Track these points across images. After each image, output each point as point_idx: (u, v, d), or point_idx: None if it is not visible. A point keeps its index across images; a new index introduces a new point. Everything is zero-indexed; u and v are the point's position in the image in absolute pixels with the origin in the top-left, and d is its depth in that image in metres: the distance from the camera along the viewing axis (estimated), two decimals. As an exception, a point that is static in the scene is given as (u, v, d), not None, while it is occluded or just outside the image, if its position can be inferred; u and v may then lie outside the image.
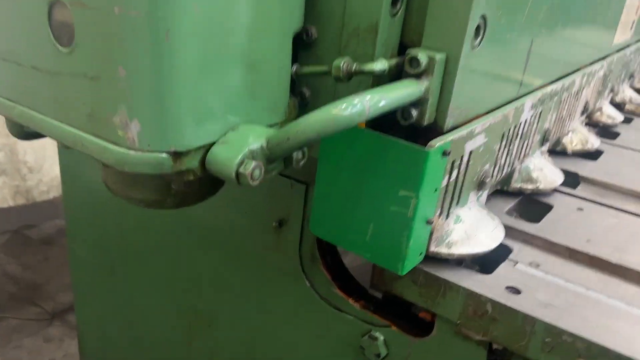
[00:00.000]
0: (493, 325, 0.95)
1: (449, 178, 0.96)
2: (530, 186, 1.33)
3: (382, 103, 0.77)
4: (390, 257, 0.93)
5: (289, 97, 0.91)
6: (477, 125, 0.98)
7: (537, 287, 0.99)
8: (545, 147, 1.48)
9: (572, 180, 1.52)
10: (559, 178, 1.40)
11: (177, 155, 0.74)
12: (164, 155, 0.73)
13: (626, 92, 2.31)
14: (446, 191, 0.97)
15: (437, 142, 0.86)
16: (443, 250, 1.00)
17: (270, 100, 0.86)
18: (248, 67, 0.79)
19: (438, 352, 1.06)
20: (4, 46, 0.84)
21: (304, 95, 0.97)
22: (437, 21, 0.86)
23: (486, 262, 1.07)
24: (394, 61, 0.86)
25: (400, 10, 0.89)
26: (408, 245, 0.91)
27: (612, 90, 2.08)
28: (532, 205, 1.34)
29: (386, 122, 0.90)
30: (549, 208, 1.32)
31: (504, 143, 1.14)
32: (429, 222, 0.93)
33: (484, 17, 0.88)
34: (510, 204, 1.32)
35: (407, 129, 0.90)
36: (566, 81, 1.42)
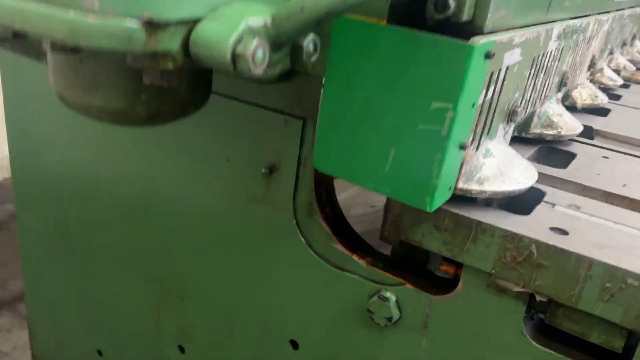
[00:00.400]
0: (538, 272, 0.79)
1: (486, 95, 0.79)
2: (551, 132, 1.18)
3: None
4: (415, 190, 0.76)
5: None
6: (516, 35, 0.81)
7: (585, 229, 0.83)
8: (561, 94, 1.34)
9: (587, 132, 1.38)
10: (579, 125, 1.25)
11: (151, 28, 0.54)
12: (134, 24, 0.53)
13: (620, 60, 2.21)
14: (480, 112, 0.80)
15: (481, 40, 0.69)
16: (474, 187, 0.83)
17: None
18: None
19: (464, 311, 0.89)
20: None
21: None
22: None
23: (519, 204, 0.91)
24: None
25: None
26: (440, 174, 0.73)
27: (610, 52, 1.97)
28: (554, 153, 1.20)
29: (411, 20, 0.72)
30: (572, 156, 1.18)
31: (532, 71, 0.99)
32: (462, 147, 0.76)
33: None
34: (530, 151, 1.17)
35: (437, 27, 0.73)
36: (584, 21, 1.28)
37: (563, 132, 1.19)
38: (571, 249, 0.76)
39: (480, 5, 0.73)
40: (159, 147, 1.20)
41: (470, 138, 0.80)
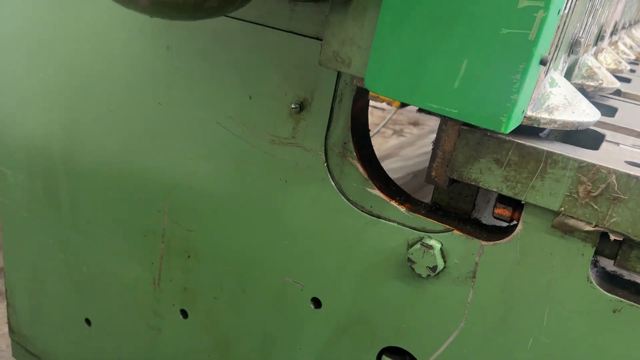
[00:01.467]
0: (615, 207, 0.71)
1: (566, 6, 0.70)
2: (592, 83, 1.11)
3: None
4: (490, 108, 0.67)
5: None
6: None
7: (661, 165, 0.76)
8: (595, 49, 1.28)
9: (616, 92, 1.32)
10: (616, 80, 1.19)
11: None
12: None
13: (626, 40, 2.19)
14: (560, 26, 0.71)
15: None
16: (543, 115, 0.75)
17: None
18: None
19: (521, 258, 0.81)
20: None
21: None
22: None
23: (583, 142, 0.83)
24: None
25: None
26: (521, 88, 0.65)
27: (623, 27, 1.94)
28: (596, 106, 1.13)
29: None
30: (614, 109, 1.11)
31: (589, 4, 0.91)
32: (543, 62, 0.67)
33: None
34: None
35: None
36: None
37: (604, 85, 1.12)
38: (657, 180, 0.68)
39: None
40: (170, 83, 1.08)
41: (550, 55, 0.71)
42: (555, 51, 0.76)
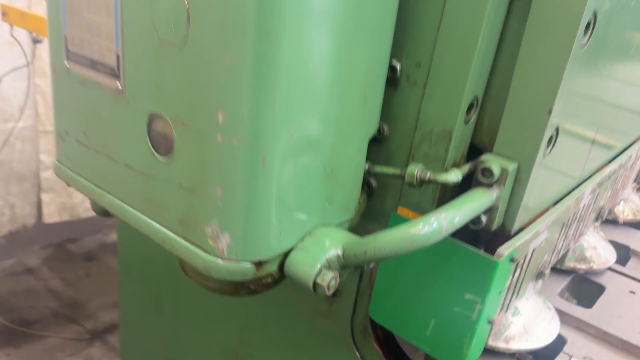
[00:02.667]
0: None
1: (512, 278, 0.97)
2: (583, 266, 1.34)
3: (457, 219, 0.79)
4: (451, 354, 0.96)
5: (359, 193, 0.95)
6: (542, 225, 0.99)
7: (595, 388, 1.00)
8: (599, 222, 1.48)
9: (623, 253, 1.51)
10: (612, 257, 1.40)
11: (260, 264, 0.78)
12: (249, 264, 0.76)
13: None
14: (508, 289, 0.98)
15: (506, 250, 0.88)
16: (501, 344, 1.02)
17: (344, 200, 0.90)
18: (329, 177, 0.83)
19: None
20: (98, 139, 0.90)
21: (371, 186, 1.00)
22: (511, 131, 0.89)
23: (541, 356, 1.08)
24: (466, 168, 0.88)
25: (473, 117, 0.92)
26: (470, 345, 0.93)
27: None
28: (585, 285, 1.35)
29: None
30: (601, 290, 1.32)
31: (563, 231, 1.15)
32: (490, 322, 0.95)
33: (557, 129, 0.90)
34: (563, 282, 1.32)
35: (473, 234, 0.93)
36: (623, 157, 1.42)
37: (595, 267, 1.34)
38: (577, 413, 0.93)
39: (508, 216, 0.92)
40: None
41: (498, 311, 0.98)
42: (512, 296, 1.02)
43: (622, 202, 1.68)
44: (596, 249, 1.38)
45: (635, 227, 1.68)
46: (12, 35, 2.11)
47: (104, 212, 0.99)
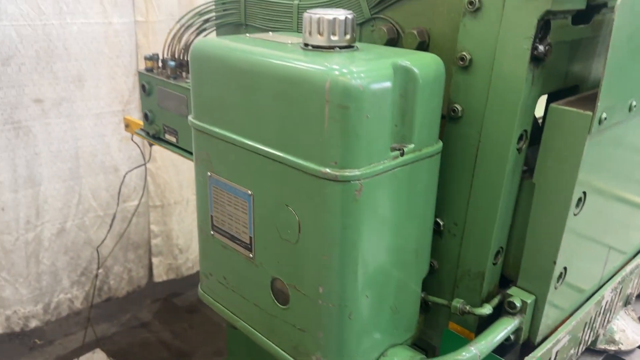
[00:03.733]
0: None
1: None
2: (613, 347, 1.60)
3: (489, 346, 1.12)
4: None
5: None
6: (562, 333, 1.29)
7: None
8: (629, 307, 1.73)
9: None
10: (639, 339, 1.64)
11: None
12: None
13: None
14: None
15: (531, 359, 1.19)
16: None
17: (406, 325, 1.25)
18: (394, 312, 1.18)
19: None
20: (234, 283, 1.30)
21: (427, 305, 1.34)
22: (527, 273, 1.21)
23: None
24: (495, 301, 1.21)
25: (500, 260, 1.24)
26: None
27: None
28: (615, 363, 1.61)
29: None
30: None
31: (586, 329, 1.44)
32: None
33: (565, 268, 1.21)
34: (596, 363, 1.59)
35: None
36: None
37: (623, 348, 1.60)
38: None
39: (531, 332, 1.23)
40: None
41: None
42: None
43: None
44: (625, 332, 1.63)
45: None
46: (132, 140, 2.62)
47: (233, 327, 1.39)
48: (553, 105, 1.09)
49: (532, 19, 1.01)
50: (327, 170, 0.98)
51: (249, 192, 1.16)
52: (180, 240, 3.79)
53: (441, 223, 1.26)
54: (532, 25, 1.01)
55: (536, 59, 1.05)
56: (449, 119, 1.17)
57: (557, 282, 1.21)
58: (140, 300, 3.85)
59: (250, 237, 1.20)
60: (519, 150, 1.13)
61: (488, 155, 1.14)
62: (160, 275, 3.84)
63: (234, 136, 1.16)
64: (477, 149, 1.15)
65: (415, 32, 1.23)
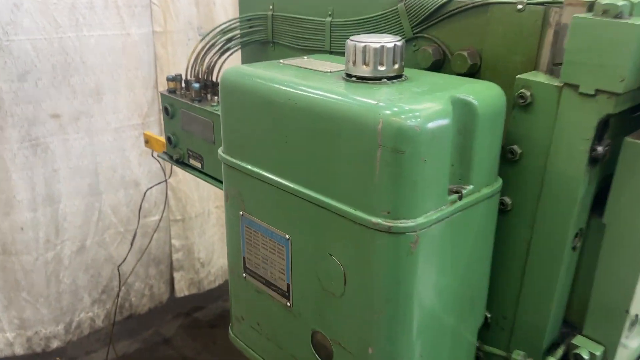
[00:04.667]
0: None
1: None
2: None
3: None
4: None
5: (473, 363, 1.18)
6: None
7: None
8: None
9: None
10: None
11: None
12: None
13: None
14: None
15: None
16: None
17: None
18: (449, 365, 1.07)
19: None
20: (269, 330, 1.20)
21: (481, 355, 1.22)
22: (596, 322, 1.09)
23: None
24: (560, 353, 1.09)
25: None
26: None
27: None
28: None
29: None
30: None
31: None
32: None
33: (637, 315, 1.08)
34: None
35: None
36: None
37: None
38: None
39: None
40: None
41: None
42: None
43: None
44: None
45: None
46: (153, 156, 2.53)
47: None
48: (628, 139, 0.97)
49: (592, 121, 0.91)
50: (379, 220, 0.87)
51: (287, 236, 1.06)
52: (202, 253, 3.70)
53: (488, 315, 1.15)
54: (592, 127, 0.92)
55: (594, 160, 0.95)
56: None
57: (629, 330, 1.09)
58: (162, 316, 3.78)
59: (288, 284, 1.09)
60: (574, 248, 1.04)
61: (541, 254, 1.05)
62: (181, 290, 3.76)
63: (269, 175, 1.06)
64: (528, 244, 1.06)
65: (465, 53, 1.11)
